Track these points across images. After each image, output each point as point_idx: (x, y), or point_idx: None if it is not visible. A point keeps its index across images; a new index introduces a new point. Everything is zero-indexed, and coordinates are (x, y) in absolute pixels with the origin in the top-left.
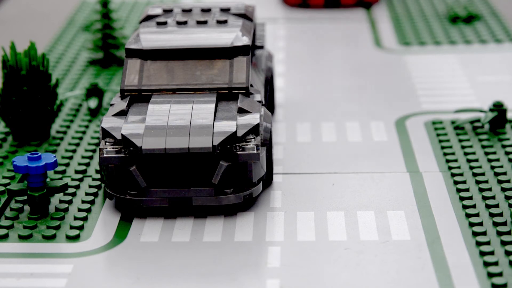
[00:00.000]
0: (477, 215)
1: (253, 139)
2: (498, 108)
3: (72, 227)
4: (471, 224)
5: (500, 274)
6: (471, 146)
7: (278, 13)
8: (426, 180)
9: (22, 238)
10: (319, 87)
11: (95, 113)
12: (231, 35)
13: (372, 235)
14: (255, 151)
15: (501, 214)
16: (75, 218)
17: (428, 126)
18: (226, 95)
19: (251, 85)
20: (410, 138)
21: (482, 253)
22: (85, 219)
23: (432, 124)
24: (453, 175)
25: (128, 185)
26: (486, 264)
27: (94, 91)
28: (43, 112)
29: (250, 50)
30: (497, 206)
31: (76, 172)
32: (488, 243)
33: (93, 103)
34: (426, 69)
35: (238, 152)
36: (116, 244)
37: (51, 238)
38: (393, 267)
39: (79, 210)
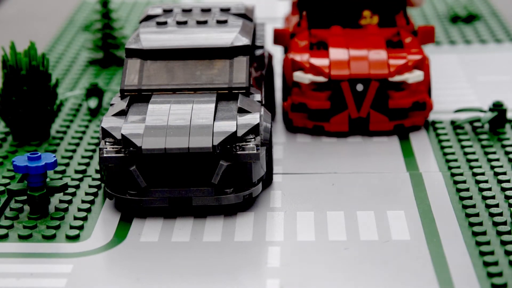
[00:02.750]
0: (477, 215)
1: (253, 139)
2: (498, 108)
3: (72, 227)
4: (471, 224)
5: (500, 274)
6: (471, 146)
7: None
8: (426, 180)
9: (22, 238)
10: None
11: (95, 113)
12: (231, 35)
13: (372, 235)
14: (255, 151)
15: (501, 214)
16: (75, 218)
17: (428, 126)
18: (226, 95)
19: (251, 85)
20: (410, 138)
21: (482, 253)
22: (85, 219)
23: (432, 124)
24: (453, 175)
25: (128, 185)
26: (486, 264)
27: (94, 91)
28: (43, 112)
29: (250, 50)
30: (497, 206)
31: (76, 172)
32: (488, 243)
33: (93, 103)
34: None
35: (238, 152)
36: (116, 244)
37: (51, 238)
38: (393, 267)
39: (79, 210)
